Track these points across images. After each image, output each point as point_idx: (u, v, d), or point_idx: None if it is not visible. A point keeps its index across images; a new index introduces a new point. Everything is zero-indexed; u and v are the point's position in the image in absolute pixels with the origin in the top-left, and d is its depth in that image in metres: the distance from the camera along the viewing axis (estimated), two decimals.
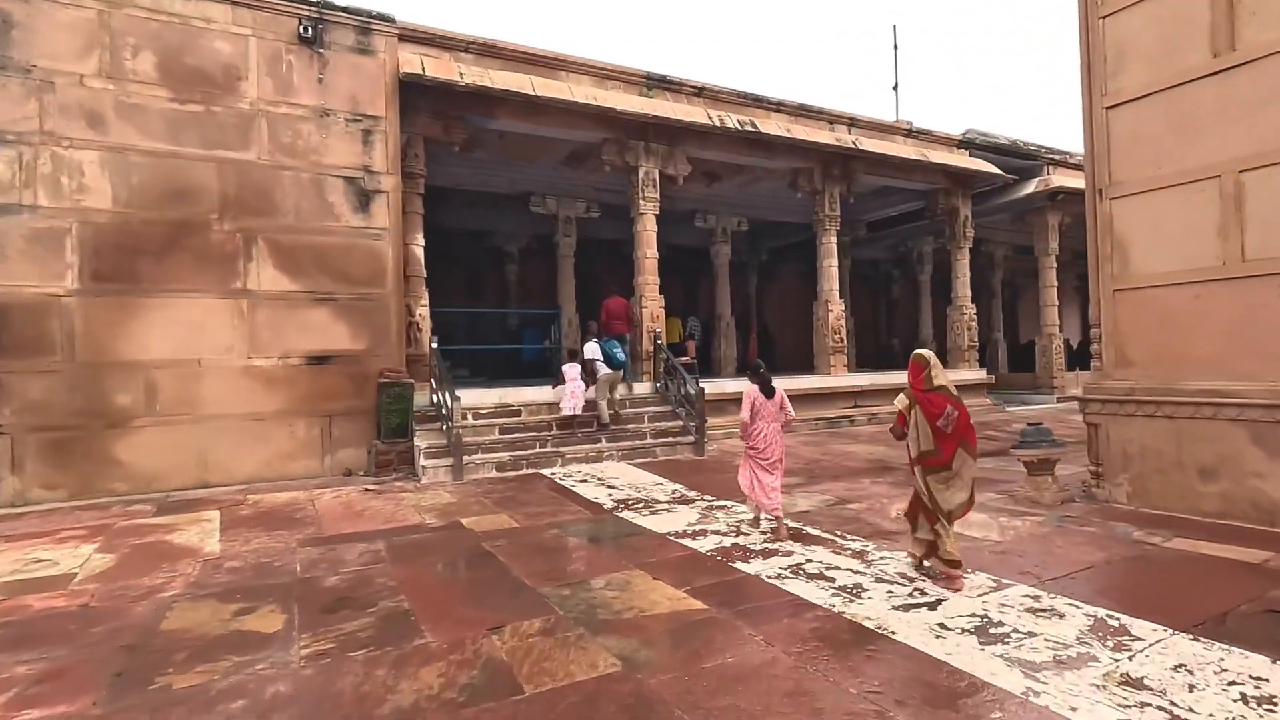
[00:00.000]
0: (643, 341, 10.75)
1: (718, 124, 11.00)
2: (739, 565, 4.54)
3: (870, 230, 17.82)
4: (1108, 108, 5.75)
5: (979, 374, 14.60)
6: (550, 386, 9.66)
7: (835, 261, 12.88)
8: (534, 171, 13.37)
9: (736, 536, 5.29)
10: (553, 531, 5.58)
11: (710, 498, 6.81)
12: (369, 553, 5.02)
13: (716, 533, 5.42)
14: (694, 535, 5.36)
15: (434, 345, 8.94)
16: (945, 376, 4.00)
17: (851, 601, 3.81)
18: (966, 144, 14.62)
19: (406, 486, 7.57)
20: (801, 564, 4.54)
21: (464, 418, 8.84)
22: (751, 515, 5.63)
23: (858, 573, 4.32)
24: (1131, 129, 5.61)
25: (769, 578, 4.26)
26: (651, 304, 10.84)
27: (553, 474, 8.15)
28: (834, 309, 12.71)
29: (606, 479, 7.84)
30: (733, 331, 16.31)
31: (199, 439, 7.63)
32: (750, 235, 19.48)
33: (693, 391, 9.69)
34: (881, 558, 4.64)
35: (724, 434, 10.87)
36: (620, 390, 10.01)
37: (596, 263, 17.78)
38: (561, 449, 8.80)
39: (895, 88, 20.07)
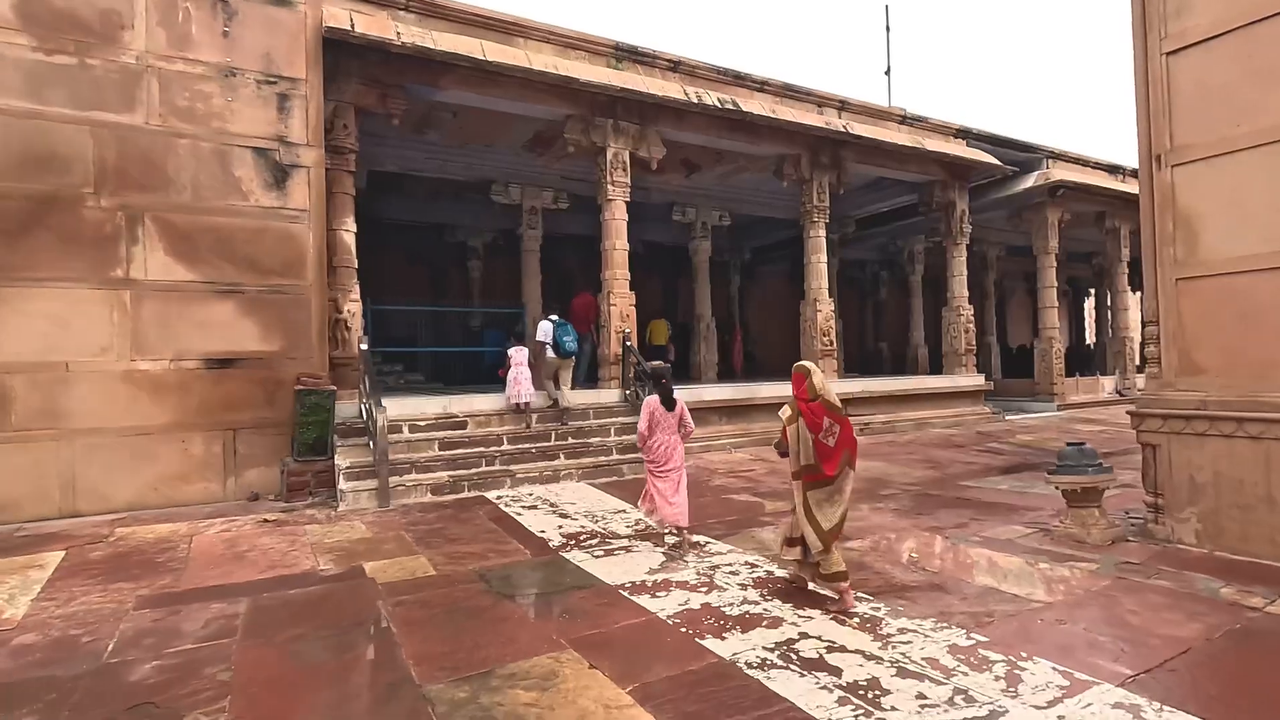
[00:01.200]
0: (610, 343, 9.56)
1: (695, 100, 9.85)
2: (709, 643, 3.34)
3: (859, 228, 16.78)
4: (1168, 53, 4.66)
5: (977, 380, 13.57)
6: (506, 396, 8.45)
7: (824, 257, 11.78)
8: (494, 157, 12.16)
9: (709, 592, 4.10)
10: (476, 584, 4.36)
11: (680, 531, 5.62)
12: (221, 620, 3.77)
13: (684, 585, 4.23)
14: (655, 589, 4.16)
15: (364, 347, 7.68)
16: (827, 388, 3.91)
17: (870, 715, 2.63)
18: (964, 133, 13.62)
19: (318, 515, 6.30)
20: (793, 640, 3.35)
21: (398, 431, 7.60)
22: (665, 532, 5.36)
23: (872, 658, 3.14)
24: (1199, 79, 4.53)
25: (750, 666, 3.07)
26: (621, 301, 9.66)
27: (498, 498, 6.93)
28: (823, 309, 11.61)
29: (561, 504, 6.63)
30: (713, 334, 15.17)
31: (65, 459, 6.31)
32: (732, 232, 18.39)
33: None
34: (900, 630, 3.47)
35: (701, 447, 9.70)
36: (565, 381, 8.91)
37: (566, 259, 16.58)
38: (512, 467, 7.58)
39: (888, 72, 19.05)
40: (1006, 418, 13.56)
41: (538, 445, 7.99)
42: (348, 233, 8.07)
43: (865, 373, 17.78)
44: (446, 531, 5.70)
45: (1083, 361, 21.07)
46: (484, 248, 15.96)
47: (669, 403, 5.22)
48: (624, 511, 6.35)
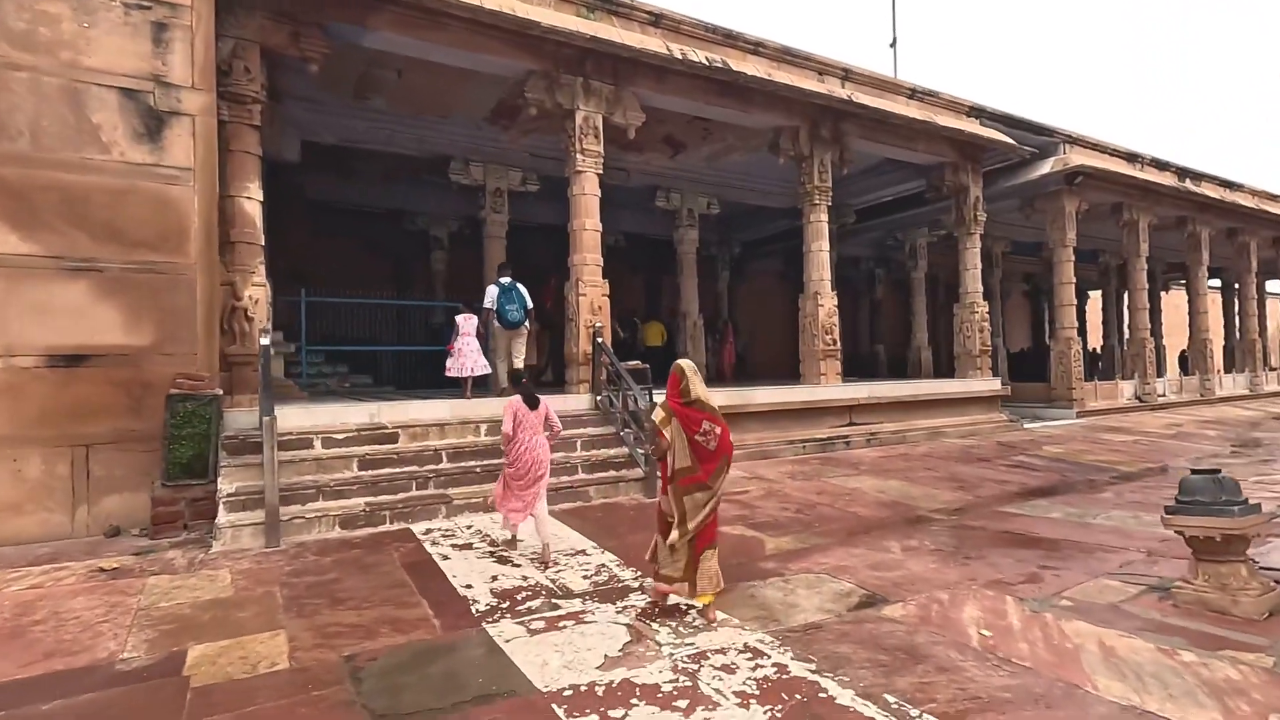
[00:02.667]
0: (579, 339, 8.09)
1: (679, 56, 8.43)
2: None
3: (859, 219, 15.42)
4: None
5: (993, 384, 12.23)
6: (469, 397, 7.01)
7: (826, 245, 10.40)
8: (452, 130, 10.69)
9: (691, 712, 2.64)
10: (338, 689, 2.88)
11: (646, 579, 4.18)
12: None
13: (653, 693, 2.77)
14: (608, 700, 2.70)
15: (265, 341, 6.16)
16: (704, 390, 3.75)
17: None
18: (977, 111, 12.30)
19: (178, 560, 4.78)
20: None
21: (306, 446, 6.09)
22: (509, 535, 5.06)
23: None
24: None
25: None
26: (592, 290, 8.20)
27: (426, 533, 5.44)
28: (825, 303, 10.20)
29: (502, 541, 5.16)
30: (701, 333, 13.73)
31: None
32: (721, 224, 17.01)
33: (642, 406, 7.06)
34: None
35: None
36: (519, 357, 7.97)
37: (538, 251, 15.09)
38: (450, 491, 6.09)
39: (894, 44, 17.72)
40: (1025, 425, 12.22)
41: (484, 463, 6.49)
42: (251, 201, 6.56)
43: (861, 377, 16.38)
44: (338, 586, 4.21)
45: (1041, 365, 19.99)
46: (449, 237, 14.48)
47: (532, 402, 4.91)
48: (584, 553, 4.88)
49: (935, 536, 5.29)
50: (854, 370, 19.23)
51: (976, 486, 7.34)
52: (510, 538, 5.07)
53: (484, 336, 8.17)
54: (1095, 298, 23.73)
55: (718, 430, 3.66)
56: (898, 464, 8.67)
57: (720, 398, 9.30)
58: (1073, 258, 13.93)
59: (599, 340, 7.88)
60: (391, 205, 13.85)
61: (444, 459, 6.43)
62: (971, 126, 11.71)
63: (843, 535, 5.40)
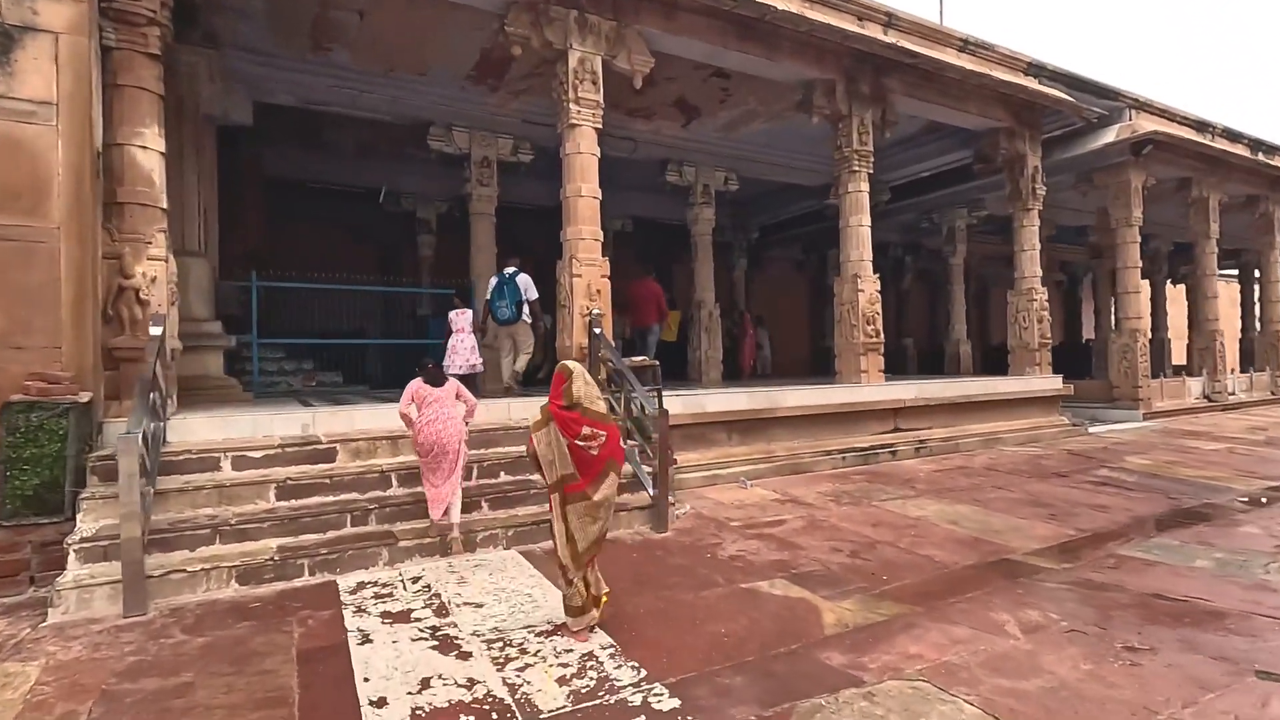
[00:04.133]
0: (572, 330, 6.62)
1: None
2: None
3: (894, 198, 13.83)
4: None
5: (1054, 382, 10.65)
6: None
7: (867, 220, 8.87)
8: (430, 90, 9.22)
9: None
10: None
11: (660, 690, 2.74)
12: None
13: None
14: None
15: (157, 330, 4.73)
16: (590, 393, 3.37)
17: None
18: (1036, 69, 10.69)
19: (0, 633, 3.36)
20: None
21: (211, 468, 4.67)
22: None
23: None
24: None
25: None
26: (588, 271, 6.72)
27: (356, 589, 4.00)
28: (866, 288, 8.68)
29: (455, 604, 3.72)
30: (717, 324, 12.19)
31: None
32: (737, 207, 15.51)
33: (649, 411, 5.59)
34: None
35: (703, 479, 6.79)
36: (524, 349, 7.38)
37: (536, 238, 13.65)
38: (397, 527, 4.65)
39: None
40: (1090, 430, 10.65)
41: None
42: (147, 151, 5.11)
43: (890, 374, 14.75)
44: (181, 701, 2.77)
45: (1079, 361, 18.28)
46: (437, 219, 13.09)
47: (435, 382, 4.69)
48: (561, 632, 3.41)
49: (1058, 601, 3.79)
50: (809, 370, 17.82)
51: (1070, 514, 5.81)
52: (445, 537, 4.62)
53: (482, 331, 7.71)
54: (1175, 293, 21.92)
55: (602, 436, 3.34)
56: (959, 480, 7.15)
57: (743, 400, 7.87)
58: (1138, 239, 12.30)
59: (597, 331, 6.40)
60: (370, 183, 12.45)
61: (393, 483, 4.99)
62: (1031, 85, 10.10)
63: (925, 596, 3.90)
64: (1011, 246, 11.06)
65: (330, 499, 4.72)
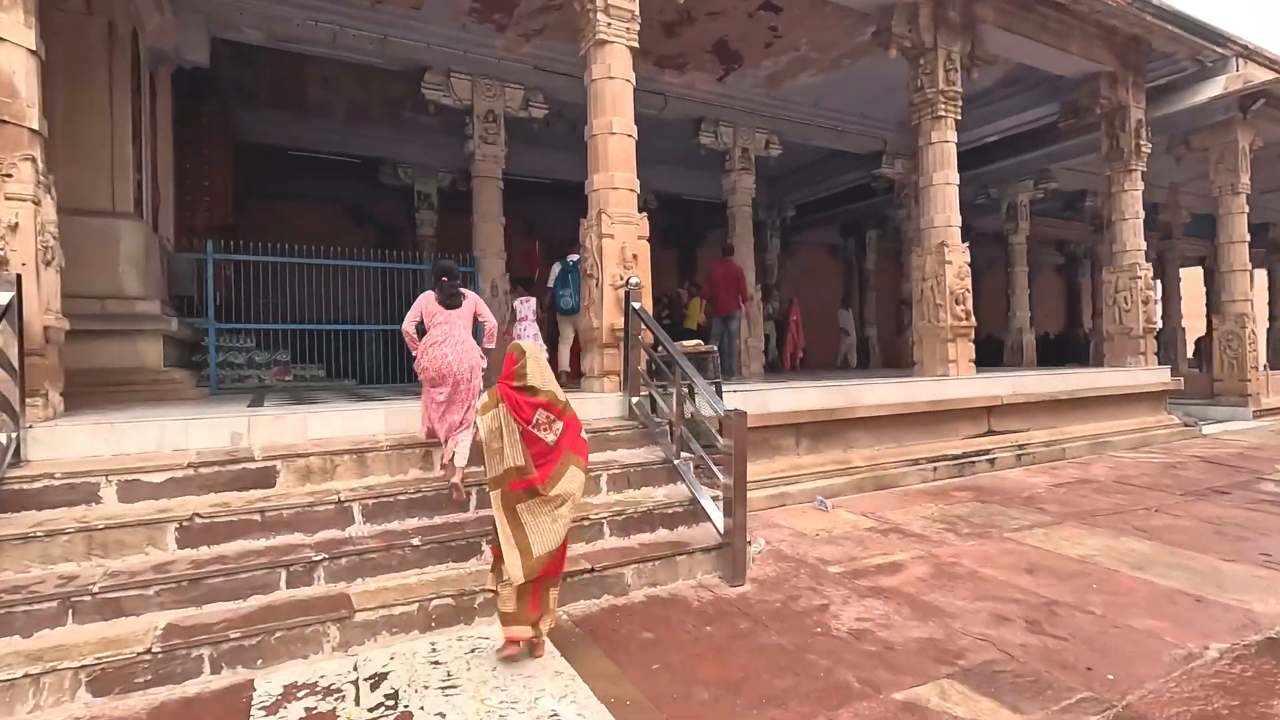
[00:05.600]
0: (602, 307, 5.08)
1: None
2: None
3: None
4: None
5: (1160, 375, 9.04)
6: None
7: (954, 176, 7.28)
8: (426, 28, 7.77)
9: None
10: None
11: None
12: None
13: None
14: None
15: (6, 297, 3.24)
16: (546, 377, 2.94)
17: None
18: (1140, 5, 9.03)
19: None
20: None
21: (90, 500, 3.18)
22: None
23: None
24: None
25: None
26: (622, 229, 5.18)
27: (279, 701, 2.50)
28: (955, 259, 7.10)
29: None
30: (759, 308, 10.60)
31: None
32: (772, 182, 13.89)
33: (715, 411, 4.03)
34: None
35: (767, 498, 5.27)
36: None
37: (551, 220, 12.17)
38: (354, 587, 3.13)
39: None
40: (1205, 431, 9.01)
41: (435, 522, 3.55)
42: (5, 46, 3.61)
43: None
44: None
45: (1075, 352, 16.69)
46: (439, 194, 11.65)
47: (450, 301, 3.83)
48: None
49: None
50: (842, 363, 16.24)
51: None
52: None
53: (543, 322, 7.27)
54: (1186, 275, 19.89)
55: (558, 424, 2.90)
56: (1095, 500, 5.57)
57: (815, 398, 6.23)
58: (1245, 208, 10.63)
59: (636, 306, 4.85)
60: (363, 152, 11.00)
61: (356, 517, 3.48)
62: (1147, 16, 8.45)
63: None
64: (1062, 228, 9.47)
65: (259, 544, 3.22)
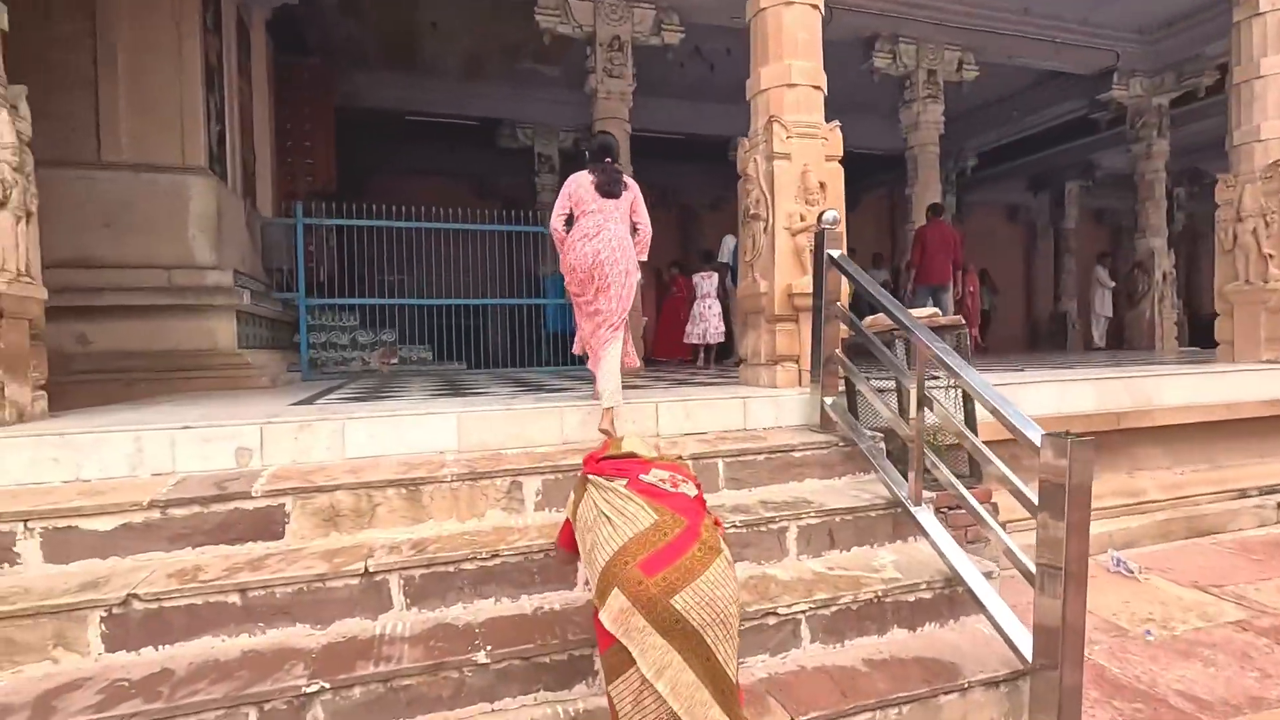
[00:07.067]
0: (774, 265, 3.43)
1: None
2: None
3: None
4: None
5: None
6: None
7: None
8: None
9: None
10: None
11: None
12: None
13: None
14: None
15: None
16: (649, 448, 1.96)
17: None
18: None
19: None
20: None
21: (8, 562, 2.02)
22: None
23: None
24: None
25: None
26: (799, 144, 3.48)
27: None
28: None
29: None
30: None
31: None
32: (949, 124, 11.37)
33: (1010, 427, 2.30)
34: None
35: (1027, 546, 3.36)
36: None
37: (685, 172, 10.61)
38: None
39: None
40: None
41: (523, 609, 2.11)
42: None
43: (1036, 354, 9.85)
44: None
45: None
46: (560, 155, 10.52)
47: (608, 188, 3.05)
48: None
49: None
50: (1026, 346, 13.75)
51: None
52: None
53: (724, 297, 6.98)
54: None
55: (689, 484, 1.83)
56: None
57: (1086, 397, 4.00)
58: None
59: (834, 254, 3.12)
60: (480, 112, 10.02)
61: (394, 598, 2.11)
62: None
63: None
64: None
65: (233, 645, 1.93)
